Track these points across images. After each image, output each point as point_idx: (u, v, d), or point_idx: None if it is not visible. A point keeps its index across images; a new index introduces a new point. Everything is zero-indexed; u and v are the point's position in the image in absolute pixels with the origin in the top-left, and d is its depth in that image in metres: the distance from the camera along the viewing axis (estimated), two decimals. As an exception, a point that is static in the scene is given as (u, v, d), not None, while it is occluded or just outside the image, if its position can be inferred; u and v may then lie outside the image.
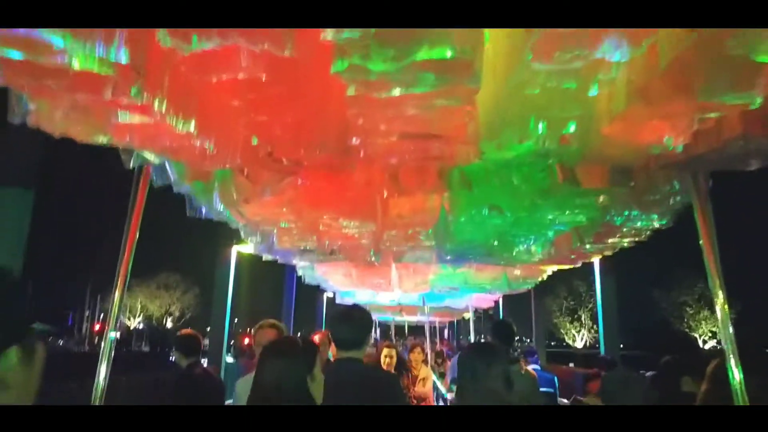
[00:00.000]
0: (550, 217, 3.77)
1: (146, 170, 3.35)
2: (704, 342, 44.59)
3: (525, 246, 4.70)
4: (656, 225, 4.03)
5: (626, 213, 3.78)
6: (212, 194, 3.78)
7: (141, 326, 54.75)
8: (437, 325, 25.72)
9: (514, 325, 4.57)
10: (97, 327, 58.29)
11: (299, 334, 12.47)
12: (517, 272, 7.32)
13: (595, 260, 6.77)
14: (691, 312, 46.40)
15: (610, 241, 4.47)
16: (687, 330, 46.85)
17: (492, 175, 3.29)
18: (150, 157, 3.22)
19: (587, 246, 4.66)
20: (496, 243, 4.65)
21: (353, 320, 2.82)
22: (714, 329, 43.83)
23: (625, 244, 4.62)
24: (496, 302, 13.66)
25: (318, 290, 11.86)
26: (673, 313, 47.63)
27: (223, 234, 6.76)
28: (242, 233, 4.80)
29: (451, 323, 29.75)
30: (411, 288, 9.40)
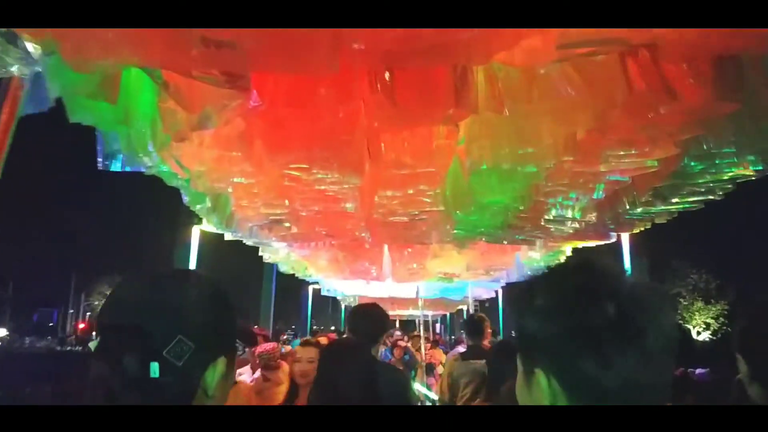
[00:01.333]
0: (613, 156, 2.64)
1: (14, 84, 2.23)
2: (698, 333, 44.07)
3: (560, 210, 3.58)
4: (748, 173, 2.93)
5: (716, 152, 2.68)
6: (128, 128, 2.62)
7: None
8: (430, 318, 24.69)
9: (485, 320, 4.46)
10: (81, 326, 56.96)
11: (276, 327, 11.31)
12: (533, 254, 6.20)
13: (625, 237, 5.67)
14: (684, 303, 46.35)
15: (674, 200, 3.36)
16: (681, 321, 46.87)
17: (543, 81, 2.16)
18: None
19: (640, 209, 3.56)
20: (522, 207, 3.53)
21: (371, 317, 3.05)
22: (708, 320, 43.49)
23: (688, 205, 3.52)
24: (496, 292, 12.60)
25: (302, 280, 10.64)
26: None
27: (183, 210, 5.51)
28: (185, 198, 3.62)
29: (443, 316, 28.71)
30: (405, 276, 8.28)
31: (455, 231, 4.37)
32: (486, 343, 4.40)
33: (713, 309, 42.22)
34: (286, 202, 3.55)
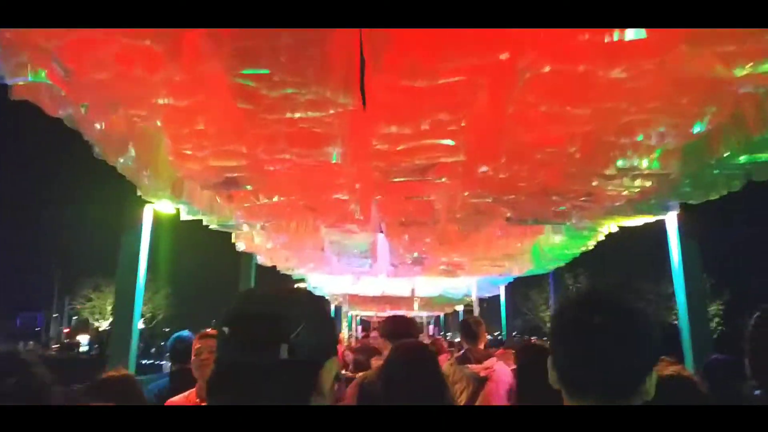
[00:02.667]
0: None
1: None
2: (694, 333, 43.43)
3: (631, 159, 2.52)
4: None
5: None
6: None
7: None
8: (424, 319, 23.61)
9: (482, 323, 4.32)
10: (66, 330, 55.44)
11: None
12: (556, 238, 5.15)
13: (671, 219, 4.65)
14: (679, 303, 45.84)
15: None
16: (677, 322, 46.31)
17: None
18: None
19: (743, 157, 2.52)
20: (579, 154, 2.48)
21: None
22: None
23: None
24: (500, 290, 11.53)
25: (286, 276, 9.42)
26: (661, 305, 47.28)
27: (131, 187, 4.34)
28: (95, 149, 2.51)
29: (436, 318, 27.70)
30: (402, 270, 7.23)
31: (474, 200, 3.31)
32: (481, 347, 4.16)
33: (708, 309, 41.66)
34: (244, 149, 2.46)
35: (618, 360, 0.96)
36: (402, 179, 2.73)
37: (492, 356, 3.99)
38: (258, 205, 3.50)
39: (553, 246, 5.43)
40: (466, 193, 3.23)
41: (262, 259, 6.58)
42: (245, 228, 4.70)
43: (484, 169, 2.69)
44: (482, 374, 3.66)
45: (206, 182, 2.90)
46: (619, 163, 2.59)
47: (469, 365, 3.74)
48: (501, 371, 3.68)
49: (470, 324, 4.21)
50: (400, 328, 3.25)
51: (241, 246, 5.73)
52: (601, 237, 5.11)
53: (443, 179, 2.82)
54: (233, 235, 5.38)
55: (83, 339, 48.86)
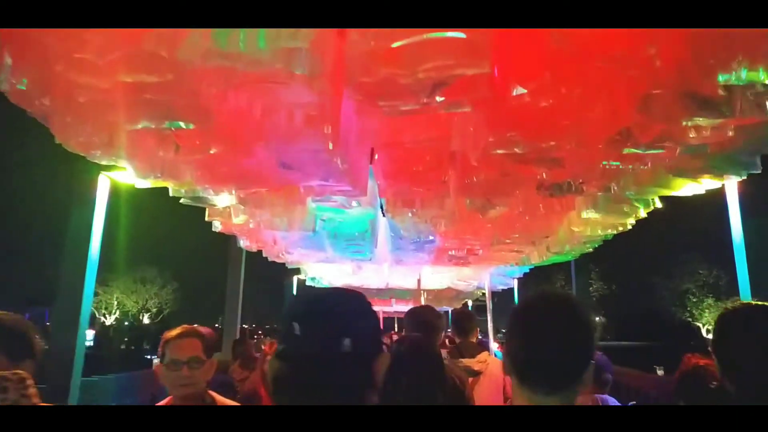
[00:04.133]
0: None
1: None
2: (708, 331, 43.01)
3: (737, 70, 1.68)
4: None
5: None
6: None
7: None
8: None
9: (471, 317, 4.47)
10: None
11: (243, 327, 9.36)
12: (591, 215, 4.25)
13: (733, 196, 3.78)
14: (694, 300, 45.37)
15: None
16: (690, 319, 45.80)
17: None
18: None
19: None
20: (659, 61, 1.65)
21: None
22: (718, 317, 42.37)
23: None
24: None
25: (282, 266, 8.59)
26: (674, 302, 46.80)
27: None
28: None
29: (445, 313, 26.80)
30: (408, 255, 6.41)
31: (500, 150, 2.46)
32: (473, 340, 4.23)
33: (724, 306, 40.74)
34: (163, 51, 1.63)
35: (566, 353, 1.14)
36: (397, 105, 1.88)
37: (485, 350, 4.10)
38: (216, 160, 2.68)
39: (586, 225, 4.54)
40: (490, 139, 2.38)
41: (246, 243, 5.76)
42: (219, 201, 3.88)
43: (519, 91, 1.84)
44: (476, 368, 3.70)
45: (129, 115, 2.07)
46: (720, 77, 1.74)
47: (462, 359, 3.75)
48: (495, 365, 3.76)
49: (461, 318, 4.32)
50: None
51: (217, 225, 4.91)
52: (643, 214, 4.25)
53: (458, 106, 1.97)
54: (206, 213, 4.56)
55: (89, 334, 48.75)
